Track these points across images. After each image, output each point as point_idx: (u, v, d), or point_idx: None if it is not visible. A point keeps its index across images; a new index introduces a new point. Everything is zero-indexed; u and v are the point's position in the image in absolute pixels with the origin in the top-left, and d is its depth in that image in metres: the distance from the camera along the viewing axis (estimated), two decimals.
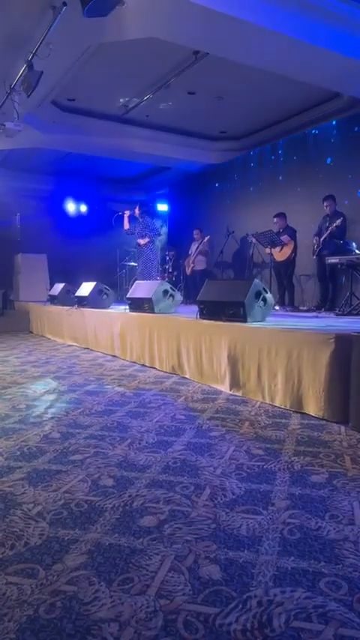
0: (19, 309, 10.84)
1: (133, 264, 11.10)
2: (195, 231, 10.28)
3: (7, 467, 2.50)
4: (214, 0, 4.75)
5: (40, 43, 5.20)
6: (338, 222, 6.83)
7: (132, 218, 8.25)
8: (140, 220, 8.19)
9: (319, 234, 7.25)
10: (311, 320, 5.22)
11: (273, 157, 9.54)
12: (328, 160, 8.30)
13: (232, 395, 4.14)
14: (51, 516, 1.96)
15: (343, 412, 3.24)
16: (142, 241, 8.13)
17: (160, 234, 8.37)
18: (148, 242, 8.17)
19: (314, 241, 7.25)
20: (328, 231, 6.94)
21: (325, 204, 7.26)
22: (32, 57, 5.44)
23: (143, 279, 7.88)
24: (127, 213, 8.20)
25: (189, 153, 10.32)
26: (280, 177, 9.32)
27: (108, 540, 1.76)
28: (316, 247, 7.19)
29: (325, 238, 7.01)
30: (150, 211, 8.93)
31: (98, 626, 1.32)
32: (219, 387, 4.37)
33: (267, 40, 5.32)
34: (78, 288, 7.97)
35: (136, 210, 8.20)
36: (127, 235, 8.76)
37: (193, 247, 10.22)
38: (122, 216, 8.26)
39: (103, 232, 13.18)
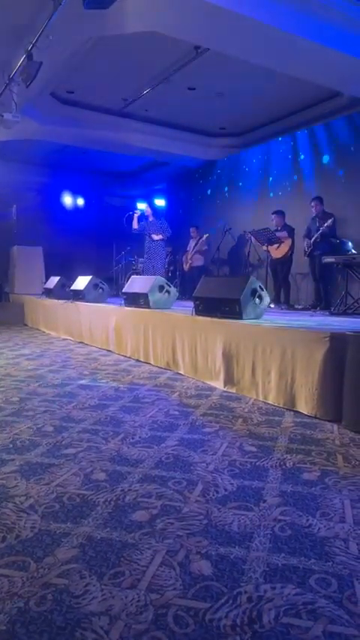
0: (14, 302, 10.80)
1: (130, 259, 11.08)
2: (191, 229, 10.30)
3: None
4: None
5: (40, 33, 5.17)
6: (330, 222, 6.87)
7: (141, 217, 8.58)
8: (152, 220, 8.53)
9: (308, 235, 7.30)
10: (306, 318, 5.23)
11: (272, 155, 9.52)
12: (327, 160, 8.30)
13: (225, 391, 4.14)
14: (43, 509, 1.96)
15: (336, 411, 3.25)
16: (155, 236, 8.45)
17: (169, 234, 8.71)
18: (162, 239, 8.49)
19: (305, 242, 7.30)
20: (320, 232, 6.97)
21: (312, 204, 7.32)
22: (32, 47, 5.41)
23: (147, 274, 8.11)
24: (137, 212, 8.58)
25: (188, 148, 10.30)
26: (279, 176, 9.31)
27: (100, 534, 1.77)
28: (307, 248, 7.24)
29: (316, 239, 7.04)
30: (159, 211, 9.30)
31: (89, 620, 1.33)
32: (213, 383, 4.38)
33: (268, 37, 5.31)
34: (73, 281, 7.94)
35: (147, 209, 8.52)
36: (135, 234, 9.03)
37: (192, 244, 10.22)
38: (132, 216, 8.53)
39: (99, 226, 13.15)
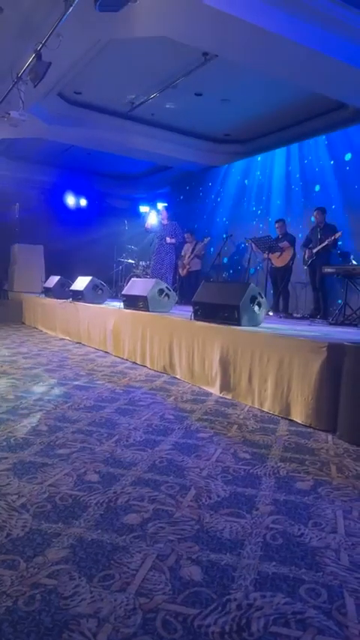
0: (12, 300, 10.79)
1: (130, 261, 11.09)
2: (186, 235, 10.34)
3: None
4: (226, 3, 4.76)
5: (50, 33, 5.18)
6: (338, 235, 6.89)
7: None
8: (167, 223, 8.97)
9: (307, 244, 7.33)
10: (304, 327, 5.24)
11: (275, 164, 9.55)
12: (330, 170, 8.33)
13: (221, 397, 4.14)
14: (35, 509, 1.95)
15: (331, 421, 3.25)
16: (169, 239, 8.83)
17: (181, 240, 8.98)
18: (174, 243, 8.88)
19: (305, 252, 7.32)
20: (324, 244, 6.99)
21: (314, 214, 7.36)
22: (41, 47, 5.42)
23: (155, 275, 8.31)
24: (154, 212, 8.80)
25: (192, 154, 10.32)
26: (282, 184, 9.34)
27: (91, 536, 1.76)
28: (307, 257, 7.26)
29: (318, 250, 7.06)
30: (172, 217, 9.65)
31: (77, 621, 1.32)
32: (209, 388, 4.38)
33: (277, 46, 5.34)
34: (73, 281, 7.95)
35: (163, 212, 8.99)
36: (136, 236, 9.33)
37: (187, 249, 10.24)
38: (147, 214, 8.87)
39: (101, 227, 13.16)
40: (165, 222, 8.90)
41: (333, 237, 6.90)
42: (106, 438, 2.89)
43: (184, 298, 9.05)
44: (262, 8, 4.95)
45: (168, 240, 8.72)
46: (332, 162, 8.29)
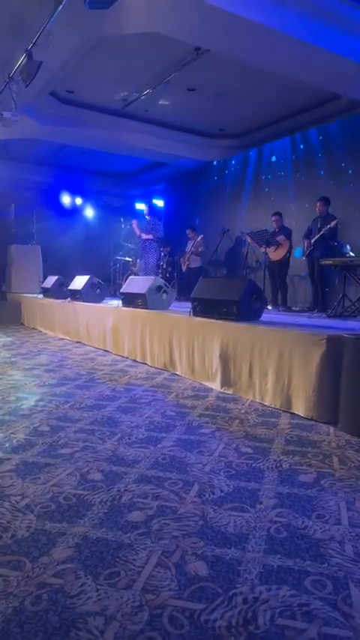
0: (11, 301, 10.77)
1: (127, 259, 11.08)
2: (188, 231, 10.33)
3: None
4: None
5: (41, 32, 5.16)
6: (333, 223, 6.85)
7: (140, 220, 9.13)
8: (149, 219, 8.99)
9: (308, 235, 7.29)
10: (303, 320, 5.24)
11: (271, 157, 9.54)
12: (325, 162, 8.31)
13: (222, 393, 4.15)
14: (39, 509, 1.95)
15: (332, 413, 3.26)
16: (145, 235, 8.82)
17: (161, 236, 8.96)
18: (151, 239, 8.84)
19: (304, 243, 7.29)
20: (321, 233, 6.96)
21: (317, 204, 7.30)
22: (32, 46, 5.40)
23: (141, 272, 8.38)
24: (135, 222, 9.00)
25: (187, 149, 10.30)
26: (278, 178, 9.33)
27: (95, 534, 1.77)
28: (306, 248, 7.23)
29: (316, 240, 7.04)
30: (155, 212, 9.67)
31: (84, 620, 1.32)
32: (210, 384, 4.38)
33: (268, 39, 5.32)
34: (71, 281, 7.94)
35: (145, 210, 9.10)
36: (136, 239, 9.42)
37: (189, 245, 10.25)
38: (132, 227, 9.03)
39: (97, 226, 13.14)
40: (147, 218, 8.95)
41: (328, 226, 6.88)
42: (109, 436, 2.90)
43: (185, 294, 9.05)
44: (251, 1, 4.93)
45: (144, 236, 8.80)
46: (327, 153, 8.27)
